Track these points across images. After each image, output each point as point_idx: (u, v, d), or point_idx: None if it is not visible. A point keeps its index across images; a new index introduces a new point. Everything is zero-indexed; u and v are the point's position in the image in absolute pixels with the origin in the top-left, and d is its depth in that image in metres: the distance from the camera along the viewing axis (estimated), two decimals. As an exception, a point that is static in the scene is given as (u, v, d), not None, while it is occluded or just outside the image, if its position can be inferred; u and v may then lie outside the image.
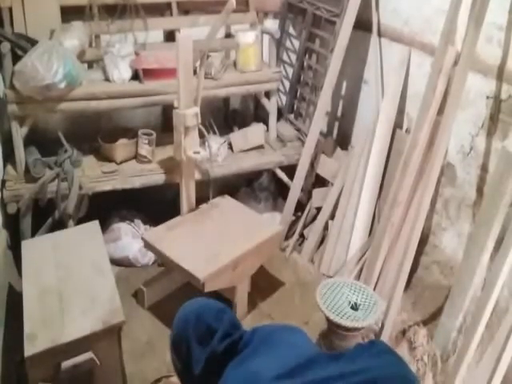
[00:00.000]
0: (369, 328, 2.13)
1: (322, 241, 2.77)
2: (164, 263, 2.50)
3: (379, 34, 2.62)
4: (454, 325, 2.07)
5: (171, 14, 2.76)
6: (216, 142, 2.73)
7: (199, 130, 2.35)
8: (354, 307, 2.01)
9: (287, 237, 2.90)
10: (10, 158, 2.52)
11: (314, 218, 2.84)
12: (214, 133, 2.87)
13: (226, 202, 2.61)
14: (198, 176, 2.56)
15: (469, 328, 1.95)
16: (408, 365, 1.23)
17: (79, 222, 2.38)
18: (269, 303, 2.50)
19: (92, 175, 2.52)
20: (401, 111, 2.53)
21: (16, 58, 2.28)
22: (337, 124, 3.12)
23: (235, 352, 1.29)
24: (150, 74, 2.52)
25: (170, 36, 2.83)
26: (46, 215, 2.42)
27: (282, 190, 3.09)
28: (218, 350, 1.31)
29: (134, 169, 2.61)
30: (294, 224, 2.94)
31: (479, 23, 1.92)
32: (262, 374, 1.13)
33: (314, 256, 2.78)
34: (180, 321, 1.41)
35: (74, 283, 1.84)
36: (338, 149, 2.85)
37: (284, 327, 1.38)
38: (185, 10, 2.84)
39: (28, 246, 2.04)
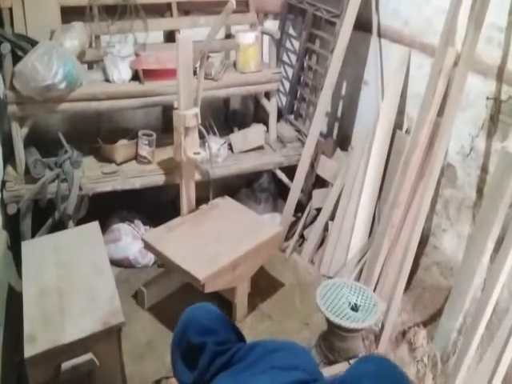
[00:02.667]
0: (369, 329, 2.13)
1: (322, 242, 2.77)
2: (164, 264, 2.50)
3: (379, 35, 2.62)
4: (454, 326, 2.07)
5: (171, 15, 2.76)
6: (216, 142, 2.73)
7: (199, 131, 2.35)
8: (354, 308, 2.01)
9: (287, 238, 2.90)
10: (10, 158, 2.51)
11: (314, 219, 2.84)
12: (214, 133, 2.87)
13: (225, 202, 2.61)
14: (198, 177, 2.56)
15: (469, 329, 1.95)
16: (401, 369, 1.24)
17: (79, 222, 2.38)
18: (269, 304, 2.50)
19: (92, 176, 2.52)
20: (401, 112, 2.53)
21: (16, 59, 2.28)
22: (337, 125, 3.12)
23: (229, 365, 1.27)
24: (150, 74, 2.52)
25: (170, 36, 2.83)
26: (46, 216, 2.42)
27: (281, 191, 3.09)
28: (206, 376, 1.28)
29: (134, 170, 2.61)
30: (293, 225, 2.94)
31: (479, 24, 1.92)
32: None
33: (314, 257, 2.78)
34: (176, 330, 1.41)
35: (73, 284, 1.83)
36: (338, 149, 2.85)
37: (287, 346, 1.33)
38: (185, 11, 2.84)
39: (28, 247, 2.04)
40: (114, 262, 2.59)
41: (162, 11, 2.78)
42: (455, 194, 2.29)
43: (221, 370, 1.28)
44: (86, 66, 2.62)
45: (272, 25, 3.15)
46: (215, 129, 2.89)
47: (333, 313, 1.94)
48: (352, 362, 1.91)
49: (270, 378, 1.17)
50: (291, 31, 3.18)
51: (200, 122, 2.31)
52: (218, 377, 1.25)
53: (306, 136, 2.79)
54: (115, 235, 2.65)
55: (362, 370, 1.23)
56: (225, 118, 3.20)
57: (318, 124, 2.71)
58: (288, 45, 3.21)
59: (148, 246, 2.32)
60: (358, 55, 2.77)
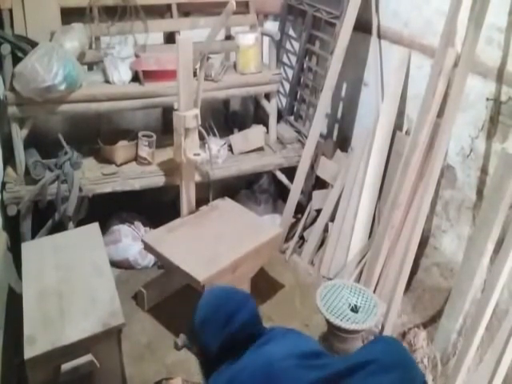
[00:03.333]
0: (369, 330, 2.13)
1: (322, 243, 2.77)
2: (164, 265, 2.50)
3: (379, 36, 2.62)
4: (454, 327, 2.07)
5: (171, 16, 2.76)
6: (216, 143, 2.74)
7: (199, 132, 2.35)
8: (354, 309, 2.01)
9: (287, 239, 2.90)
10: (10, 160, 2.52)
11: (314, 220, 2.84)
12: (214, 135, 2.87)
13: (226, 204, 2.61)
14: (197, 178, 2.56)
15: (469, 330, 1.95)
16: (412, 356, 1.27)
17: (79, 223, 2.38)
18: (269, 305, 2.50)
19: (92, 177, 2.52)
20: (401, 113, 2.53)
21: (16, 60, 2.28)
22: (337, 126, 3.12)
23: (253, 342, 1.35)
24: (150, 75, 2.52)
25: (170, 38, 2.84)
26: (46, 217, 2.42)
27: (281, 192, 3.09)
28: (237, 336, 1.33)
29: (134, 171, 2.61)
30: (293, 226, 2.94)
31: (479, 25, 1.92)
32: (274, 354, 1.27)
33: (314, 258, 2.78)
34: (203, 307, 1.42)
35: (74, 285, 1.84)
36: (338, 151, 2.85)
37: (300, 332, 1.46)
38: (185, 12, 2.84)
39: (28, 248, 2.04)
40: (114, 264, 2.59)
41: (161, 12, 2.78)
42: (455, 195, 2.29)
43: (248, 339, 1.35)
44: (85, 67, 2.62)
45: (272, 26, 3.15)
46: (215, 130, 2.89)
47: (333, 314, 1.94)
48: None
49: (290, 347, 1.29)
50: (291, 32, 3.18)
51: (200, 123, 2.31)
52: (246, 353, 1.32)
53: (306, 137, 2.79)
54: (115, 236, 2.65)
55: (368, 351, 1.26)
56: (225, 119, 3.20)
57: (318, 125, 2.71)
58: (288, 46, 3.21)
59: (148, 248, 2.32)
60: (358, 56, 2.77)
